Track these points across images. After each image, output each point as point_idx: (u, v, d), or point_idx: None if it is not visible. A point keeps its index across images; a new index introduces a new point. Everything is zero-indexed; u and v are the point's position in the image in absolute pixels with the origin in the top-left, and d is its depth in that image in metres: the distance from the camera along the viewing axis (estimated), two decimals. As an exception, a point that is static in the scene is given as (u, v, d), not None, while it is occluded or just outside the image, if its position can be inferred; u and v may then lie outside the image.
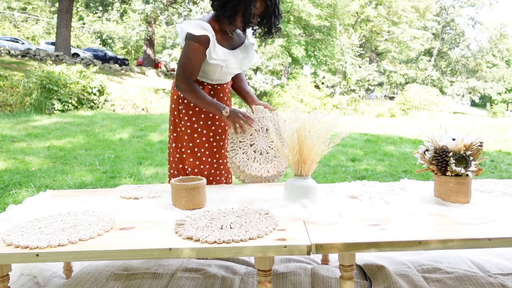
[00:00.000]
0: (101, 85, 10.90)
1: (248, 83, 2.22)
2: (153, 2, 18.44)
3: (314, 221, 1.34)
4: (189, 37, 1.80)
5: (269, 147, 2.02)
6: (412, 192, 1.73)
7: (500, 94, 36.46)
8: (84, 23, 32.94)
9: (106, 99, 11.11)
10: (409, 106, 21.41)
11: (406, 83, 32.95)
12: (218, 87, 2.00)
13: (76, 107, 10.04)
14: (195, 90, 1.84)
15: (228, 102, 2.08)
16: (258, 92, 20.14)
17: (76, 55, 21.07)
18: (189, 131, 1.98)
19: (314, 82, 26.38)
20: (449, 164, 1.51)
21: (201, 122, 1.97)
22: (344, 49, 24.49)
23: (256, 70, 20.25)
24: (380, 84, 37.01)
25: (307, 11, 19.52)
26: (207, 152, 1.99)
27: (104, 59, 23.94)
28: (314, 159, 1.54)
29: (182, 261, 1.89)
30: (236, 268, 1.85)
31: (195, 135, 1.97)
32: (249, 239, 1.19)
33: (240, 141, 1.95)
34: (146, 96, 13.49)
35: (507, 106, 37.03)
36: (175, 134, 2.04)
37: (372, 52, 32.09)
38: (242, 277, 1.77)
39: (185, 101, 1.98)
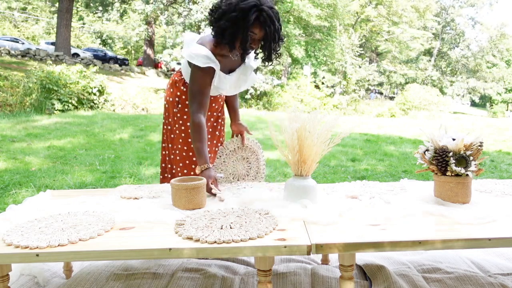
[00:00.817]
0: (101, 85, 10.89)
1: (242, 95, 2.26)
2: (153, 2, 18.42)
3: (314, 221, 1.34)
4: (195, 69, 1.81)
5: (246, 172, 2.08)
6: (412, 192, 1.73)
7: (500, 94, 36.47)
8: (84, 23, 32.94)
9: (106, 99, 11.10)
10: (409, 106, 21.41)
11: (406, 83, 32.95)
12: (211, 98, 2.03)
13: (76, 107, 10.04)
14: (201, 130, 1.80)
15: (220, 111, 2.12)
16: (258, 92, 20.13)
17: (76, 55, 21.08)
18: (183, 134, 2.01)
19: (314, 82, 26.38)
20: (449, 164, 1.51)
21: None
22: (344, 49, 24.48)
23: (256, 70, 20.18)
24: (380, 84, 37.01)
25: (307, 11, 19.50)
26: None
27: (104, 59, 23.94)
28: (314, 159, 1.54)
29: (182, 261, 1.89)
30: (236, 268, 1.85)
31: (189, 139, 2.00)
32: (249, 239, 1.19)
33: (221, 170, 1.99)
34: (146, 96, 13.48)
35: (507, 106, 37.04)
36: (169, 135, 2.08)
37: (372, 52, 32.09)
38: (242, 277, 1.77)
39: (179, 105, 2.00)
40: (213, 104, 2.05)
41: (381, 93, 38.01)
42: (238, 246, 1.16)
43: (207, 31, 1.91)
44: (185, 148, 2.01)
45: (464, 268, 1.84)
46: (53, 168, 4.27)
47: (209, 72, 1.80)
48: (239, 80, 1.99)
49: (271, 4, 1.75)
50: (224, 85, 1.92)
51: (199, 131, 1.79)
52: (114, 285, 1.66)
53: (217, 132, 2.14)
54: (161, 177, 2.17)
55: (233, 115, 2.17)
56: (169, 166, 2.09)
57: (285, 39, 2.08)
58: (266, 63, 1.87)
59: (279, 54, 1.88)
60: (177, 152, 2.03)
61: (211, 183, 1.71)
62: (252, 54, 2.00)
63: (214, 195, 1.68)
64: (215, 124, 2.12)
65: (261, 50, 1.86)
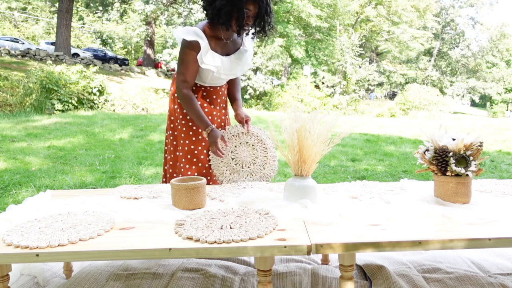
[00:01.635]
0: (101, 85, 10.88)
1: (247, 84, 2.26)
2: (153, 2, 18.42)
3: (314, 221, 1.34)
4: (182, 43, 1.89)
5: (252, 160, 2.06)
6: (412, 192, 1.73)
7: (500, 94, 36.48)
8: (84, 23, 32.94)
9: (106, 99, 11.10)
10: (409, 106, 21.41)
11: (406, 83, 32.95)
12: (211, 89, 2.05)
13: (76, 107, 10.04)
14: (189, 98, 1.91)
15: (222, 105, 2.12)
16: (257, 92, 20.13)
17: (76, 55, 21.08)
18: (184, 128, 2.02)
19: (314, 82, 26.39)
20: (449, 164, 1.51)
21: (200, 130, 2.01)
22: (344, 49, 24.49)
23: (256, 70, 20.24)
24: (380, 84, 37.02)
25: (307, 11, 19.50)
26: (201, 156, 2.03)
27: (104, 59, 23.94)
28: (314, 159, 1.54)
29: (182, 261, 1.89)
30: (236, 268, 1.85)
31: (190, 133, 2.01)
32: (249, 239, 1.19)
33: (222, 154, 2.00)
34: (146, 96, 13.47)
35: (507, 106, 37.05)
36: (171, 138, 2.09)
37: (372, 52, 32.08)
38: (242, 277, 1.77)
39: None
40: (214, 96, 2.06)
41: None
42: (238, 246, 1.16)
43: None
44: (187, 142, 2.02)
45: (464, 268, 1.84)
46: (53, 168, 4.27)
47: (195, 46, 1.87)
48: (233, 63, 2.01)
49: None
50: (223, 69, 1.95)
51: (189, 101, 1.90)
52: (114, 285, 1.66)
53: (220, 128, 2.13)
54: (163, 180, 2.18)
55: (235, 105, 2.19)
56: (171, 170, 2.10)
57: (274, 11, 2.12)
58: (263, 36, 1.95)
59: (272, 27, 1.94)
60: (180, 148, 2.04)
61: (220, 141, 1.85)
62: (248, 39, 2.04)
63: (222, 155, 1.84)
64: (216, 118, 2.10)
65: (252, 28, 1.93)
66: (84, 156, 4.93)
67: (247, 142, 2.06)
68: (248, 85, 19.76)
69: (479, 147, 1.54)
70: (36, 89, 9.76)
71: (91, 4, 26.49)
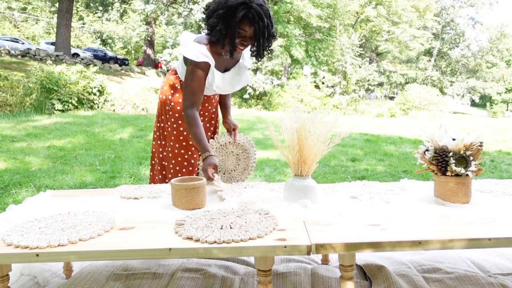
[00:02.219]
0: (101, 85, 10.88)
1: (247, 84, 2.25)
2: (153, 2, 18.42)
3: (314, 221, 1.34)
4: (191, 63, 1.83)
5: (234, 168, 2.08)
6: (412, 192, 1.73)
7: (500, 94, 36.48)
8: (84, 23, 32.95)
9: (106, 99, 11.10)
10: (409, 106, 21.41)
11: (406, 83, 32.95)
12: (205, 97, 2.05)
13: (76, 107, 10.04)
14: (193, 121, 1.85)
15: (212, 110, 2.13)
16: (257, 92, 20.13)
17: (76, 55, 21.08)
18: (175, 132, 2.03)
19: (314, 82, 26.39)
20: (449, 164, 1.51)
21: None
22: (344, 49, 24.48)
23: (256, 70, 20.25)
24: (380, 84, 37.02)
25: (307, 11, 19.50)
26: (189, 153, 2.03)
27: (104, 59, 23.94)
28: (314, 159, 1.54)
29: (182, 261, 1.89)
30: (236, 268, 1.85)
31: (180, 137, 2.01)
32: (249, 239, 1.19)
33: None
34: (146, 96, 13.48)
35: (507, 106, 37.06)
36: (162, 132, 2.10)
37: (372, 52, 32.09)
38: (242, 277, 1.77)
39: (172, 104, 2.02)
40: (206, 104, 2.07)
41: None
42: (238, 246, 1.16)
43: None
44: (177, 145, 2.02)
45: (464, 268, 1.84)
46: (53, 168, 4.27)
47: (204, 67, 1.83)
48: (233, 79, 2.01)
49: (261, 1, 1.77)
50: (219, 83, 1.94)
51: (194, 123, 1.84)
52: (114, 285, 1.66)
53: (209, 133, 2.15)
54: (151, 173, 2.19)
55: (225, 112, 2.19)
56: (162, 163, 2.11)
57: (277, 35, 2.06)
58: (258, 59, 1.91)
59: (270, 51, 1.91)
60: (169, 149, 2.05)
61: (211, 169, 1.75)
62: (247, 53, 2.02)
63: (212, 180, 1.74)
64: (208, 125, 2.13)
65: (252, 47, 1.90)
66: (84, 156, 4.93)
67: (232, 152, 2.08)
68: (248, 85, 19.77)
69: (479, 147, 1.54)
70: (36, 89, 9.77)
71: (91, 4, 26.50)
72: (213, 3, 1.81)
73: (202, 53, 1.81)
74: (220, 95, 2.19)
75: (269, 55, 1.94)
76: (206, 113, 2.10)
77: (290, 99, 21.50)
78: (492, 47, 36.68)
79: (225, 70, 1.98)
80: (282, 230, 1.28)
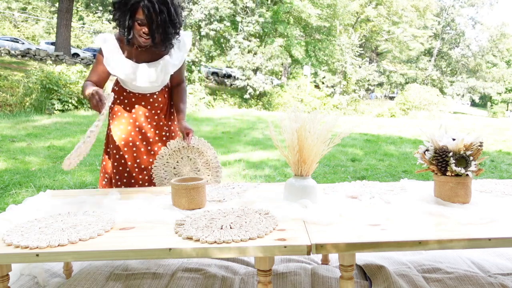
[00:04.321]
0: (101, 85, 10.88)
1: (247, 84, 2.21)
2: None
3: (314, 221, 1.34)
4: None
5: (195, 174, 2.04)
6: (412, 192, 1.73)
7: (500, 94, 36.48)
8: (84, 23, 32.93)
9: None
10: (409, 106, 21.41)
11: (406, 83, 32.96)
12: (140, 96, 2.05)
13: (76, 107, 10.04)
14: (85, 87, 1.92)
15: (158, 111, 2.09)
16: (257, 92, 20.12)
17: (76, 55, 21.06)
18: (111, 132, 2.05)
19: (314, 82, 26.38)
20: (449, 164, 1.51)
21: (121, 126, 2.03)
22: (344, 49, 24.48)
23: (256, 70, 20.24)
24: (380, 84, 37.02)
25: (307, 11, 19.50)
26: (126, 155, 2.03)
27: (104, 59, 23.88)
28: (314, 159, 1.54)
29: (182, 261, 1.89)
30: (236, 268, 1.85)
31: (117, 135, 2.03)
32: (249, 239, 1.19)
33: (164, 170, 2.01)
34: (146, 96, 13.45)
35: (507, 106, 37.07)
36: (106, 135, 2.14)
37: (372, 52, 32.08)
38: (242, 277, 1.77)
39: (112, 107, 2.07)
40: (142, 103, 2.06)
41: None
42: (238, 246, 1.16)
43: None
44: (117, 144, 2.03)
45: (464, 268, 1.84)
46: (53, 168, 4.27)
47: (101, 52, 1.96)
48: (153, 73, 1.98)
49: None
50: (128, 71, 1.95)
51: (84, 87, 1.91)
52: (114, 285, 1.66)
53: (157, 131, 2.10)
54: (103, 181, 2.16)
55: (178, 116, 2.15)
56: (103, 170, 2.13)
57: (183, 23, 2.02)
58: (161, 48, 1.92)
59: (170, 38, 1.89)
60: (112, 152, 2.06)
61: (94, 101, 1.74)
62: (177, 52, 2.02)
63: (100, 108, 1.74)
64: (153, 129, 2.08)
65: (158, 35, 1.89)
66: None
67: (188, 156, 2.04)
68: (248, 85, 19.76)
69: (479, 147, 1.54)
70: (36, 89, 9.77)
71: (91, 4, 26.48)
72: None
73: (102, 38, 1.95)
74: (173, 98, 2.16)
75: (177, 39, 1.95)
76: (146, 113, 2.06)
77: (290, 99, 21.49)
78: (492, 47, 36.67)
79: (148, 62, 1.98)
80: (282, 230, 1.28)
